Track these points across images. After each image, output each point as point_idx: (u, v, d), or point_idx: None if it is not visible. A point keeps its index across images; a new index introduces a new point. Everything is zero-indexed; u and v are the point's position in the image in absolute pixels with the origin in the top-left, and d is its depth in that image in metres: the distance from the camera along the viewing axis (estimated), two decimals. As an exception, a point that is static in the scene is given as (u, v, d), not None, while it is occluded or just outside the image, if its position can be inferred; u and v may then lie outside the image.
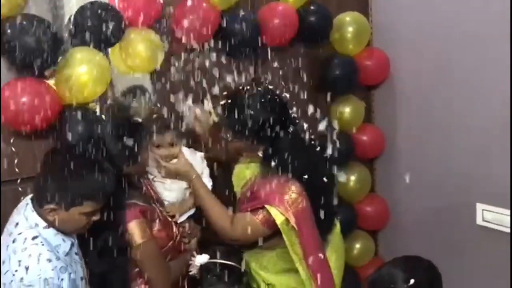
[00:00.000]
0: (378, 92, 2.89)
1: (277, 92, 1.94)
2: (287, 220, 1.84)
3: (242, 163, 2.07)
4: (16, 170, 2.03)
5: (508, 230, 2.27)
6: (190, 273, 1.97)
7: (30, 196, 1.65)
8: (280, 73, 2.55)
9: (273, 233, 1.91)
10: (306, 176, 1.87)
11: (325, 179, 1.95)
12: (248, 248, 2.05)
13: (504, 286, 2.33)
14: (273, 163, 1.86)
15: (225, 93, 1.97)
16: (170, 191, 2.07)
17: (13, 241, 1.53)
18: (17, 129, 1.97)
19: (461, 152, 2.45)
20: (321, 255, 1.90)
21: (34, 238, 1.53)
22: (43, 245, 1.52)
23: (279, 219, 1.85)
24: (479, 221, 2.38)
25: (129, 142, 1.79)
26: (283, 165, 1.85)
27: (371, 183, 2.91)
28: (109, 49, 2.18)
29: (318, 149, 1.98)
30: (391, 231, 2.91)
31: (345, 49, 2.68)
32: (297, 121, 1.95)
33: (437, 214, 2.61)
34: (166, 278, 1.87)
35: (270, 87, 1.96)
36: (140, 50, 2.12)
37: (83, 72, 1.97)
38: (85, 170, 1.56)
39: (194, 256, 1.96)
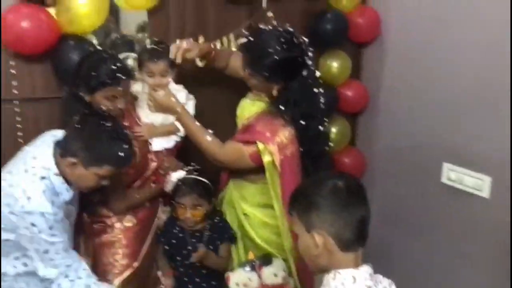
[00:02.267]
0: (368, 50, 2.97)
1: (296, 33, 1.96)
2: (273, 160, 1.98)
3: (249, 98, 2.17)
4: (15, 92, 2.17)
5: (468, 190, 2.43)
6: (166, 190, 2.15)
7: (55, 138, 1.75)
8: (274, 22, 2.63)
9: (258, 168, 2.05)
10: (304, 123, 1.97)
11: (320, 127, 2.06)
12: (233, 176, 2.22)
13: (461, 240, 2.53)
14: (280, 105, 1.96)
15: (245, 30, 2.03)
16: (149, 116, 2.20)
17: (25, 171, 1.68)
18: (17, 52, 2.10)
19: (437, 114, 2.56)
20: None
21: (43, 178, 1.67)
22: (47, 186, 1.67)
23: (266, 158, 1.98)
24: (443, 179, 2.54)
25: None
26: (289, 107, 1.95)
27: (352, 137, 3.05)
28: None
29: (322, 99, 2.06)
30: (365, 183, 3.05)
31: (339, 4, 2.75)
32: (311, 66, 2.02)
33: (408, 170, 2.76)
34: (119, 200, 2.05)
35: (291, 29, 1.97)
36: (138, -13, 2.22)
37: (82, 4, 2.08)
38: (115, 138, 1.68)
39: (169, 174, 2.13)
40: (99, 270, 2.10)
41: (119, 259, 2.11)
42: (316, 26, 2.71)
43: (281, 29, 1.95)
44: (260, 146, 1.97)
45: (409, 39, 2.73)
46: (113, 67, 1.92)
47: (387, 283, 1.38)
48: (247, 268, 1.94)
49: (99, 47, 2.22)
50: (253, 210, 2.18)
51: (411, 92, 2.74)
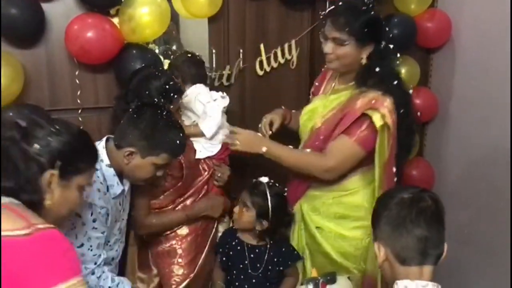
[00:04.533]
0: (438, 56, 2.82)
1: None
2: (386, 123, 1.86)
3: (318, 99, 2.09)
4: (78, 101, 2.21)
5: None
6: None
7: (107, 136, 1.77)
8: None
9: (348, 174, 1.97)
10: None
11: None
12: (310, 187, 2.09)
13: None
14: (368, 80, 1.90)
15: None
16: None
17: None
18: (82, 62, 2.13)
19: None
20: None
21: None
22: (98, 177, 1.66)
23: (378, 123, 1.86)
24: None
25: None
26: (377, 78, 1.90)
27: (420, 148, 2.89)
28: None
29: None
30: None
31: (406, 8, 2.62)
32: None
33: (481, 184, 2.57)
34: (142, 218, 1.99)
35: None
36: (199, -5, 2.19)
37: (145, 13, 2.08)
38: (171, 126, 1.70)
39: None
40: (162, 280, 2.10)
41: (176, 270, 2.09)
42: (382, 31, 2.58)
43: None
44: (373, 114, 1.86)
45: (481, 43, 2.56)
46: (165, 85, 1.91)
47: None
48: (310, 286, 1.84)
49: (160, 56, 2.21)
50: (327, 222, 2.06)
51: (484, 100, 2.56)
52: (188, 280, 2.09)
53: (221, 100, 2.19)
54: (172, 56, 2.29)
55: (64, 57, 2.15)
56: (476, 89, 2.60)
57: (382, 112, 1.86)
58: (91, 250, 1.66)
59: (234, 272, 2.13)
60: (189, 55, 2.24)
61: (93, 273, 1.70)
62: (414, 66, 2.71)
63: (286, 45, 2.48)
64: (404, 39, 2.60)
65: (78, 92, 2.19)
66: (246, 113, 2.51)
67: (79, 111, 2.22)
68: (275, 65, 2.47)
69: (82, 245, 1.64)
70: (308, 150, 1.99)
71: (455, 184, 2.75)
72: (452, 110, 2.77)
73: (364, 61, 1.92)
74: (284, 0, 2.45)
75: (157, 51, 2.38)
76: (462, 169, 2.71)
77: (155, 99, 1.88)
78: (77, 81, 2.18)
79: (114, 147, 1.69)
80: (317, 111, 2.06)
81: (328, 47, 1.93)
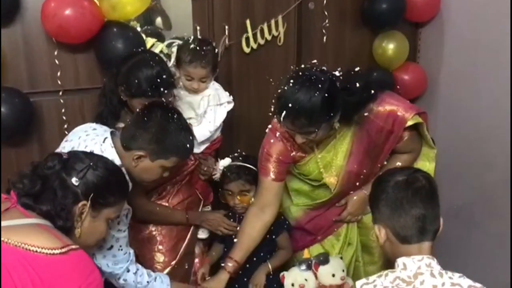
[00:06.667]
0: (426, 30, 2.77)
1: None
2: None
3: (319, 155, 1.91)
4: (59, 82, 2.13)
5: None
6: (214, 177, 2.13)
7: (108, 130, 1.70)
8: (324, 3, 2.49)
9: None
10: None
11: None
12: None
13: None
14: (348, 115, 1.76)
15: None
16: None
17: None
18: (60, 42, 2.05)
19: (504, 100, 2.34)
20: None
21: None
22: None
23: (418, 120, 1.88)
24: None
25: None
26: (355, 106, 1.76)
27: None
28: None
29: None
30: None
31: (394, -18, 2.57)
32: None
33: (472, 161, 2.56)
34: (141, 205, 1.95)
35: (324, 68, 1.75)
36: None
37: (125, -11, 1.99)
38: (181, 129, 1.67)
39: (217, 162, 2.12)
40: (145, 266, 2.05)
41: (157, 257, 2.06)
42: (370, 5, 2.54)
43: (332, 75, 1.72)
44: (417, 118, 1.86)
45: (470, 17, 2.52)
46: (157, 78, 1.80)
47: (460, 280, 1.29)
48: (303, 267, 1.83)
49: (143, 35, 2.13)
50: None
51: (473, 74, 2.53)
52: (169, 268, 2.06)
53: (227, 105, 2.12)
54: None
55: (41, 36, 2.06)
56: (465, 63, 2.57)
57: (414, 114, 1.84)
58: (121, 249, 1.66)
59: (227, 241, 2.13)
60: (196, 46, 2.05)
61: (128, 271, 1.71)
62: (403, 41, 2.67)
63: (272, 21, 2.41)
64: (393, 14, 2.55)
65: (58, 73, 2.11)
66: (233, 92, 2.43)
67: (60, 93, 2.14)
68: (262, 42, 2.40)
69: (111, 247, 1.64)
70: (398, 163, 1.93)
71: (446, 160, 2.73)
72: (442, 84, 2.74)
73: (337, 125, 1.75)
74: (270, -26, 2.37)
75: (138, 29, 2.28)
76: (453, 144, 2.69)
77: (143, 89, 1.79)
78: (57, 62, 2.10)
79: (121, 148, 1.64)
80: (331, 165, 1.92)
81: (299, 139, 1.75)
